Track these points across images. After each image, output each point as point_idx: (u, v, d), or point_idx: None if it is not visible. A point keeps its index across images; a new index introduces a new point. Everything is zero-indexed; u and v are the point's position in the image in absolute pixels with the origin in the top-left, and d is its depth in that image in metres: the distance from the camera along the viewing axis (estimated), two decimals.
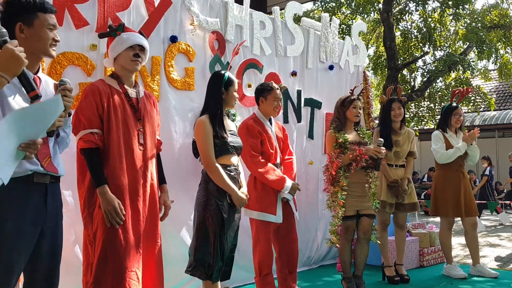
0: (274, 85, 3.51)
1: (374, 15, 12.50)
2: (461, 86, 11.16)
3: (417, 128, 13.74)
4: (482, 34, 10.32)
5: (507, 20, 11.56)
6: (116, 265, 2.38)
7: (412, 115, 13.55)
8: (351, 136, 3.69)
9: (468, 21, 11.14)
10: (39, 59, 2.08)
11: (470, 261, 4.47)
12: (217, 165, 2.90)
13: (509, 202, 7.30)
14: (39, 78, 2.05)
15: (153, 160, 2.71)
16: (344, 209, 3.54)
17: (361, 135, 3.76)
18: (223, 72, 3.11)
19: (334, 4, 12.32)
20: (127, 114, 2.57)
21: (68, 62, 2.99)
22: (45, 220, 1.97)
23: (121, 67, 2.62)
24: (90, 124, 2.46)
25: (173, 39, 3.56)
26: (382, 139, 3.63)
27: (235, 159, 3.07)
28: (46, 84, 2.10)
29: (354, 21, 11.90)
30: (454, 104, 4.45)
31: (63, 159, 2.38)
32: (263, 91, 3.50)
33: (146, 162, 2.63)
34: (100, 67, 3.14)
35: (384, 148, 3.60)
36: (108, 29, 2.65)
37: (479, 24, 10.83)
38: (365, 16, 12.67)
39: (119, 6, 3.23)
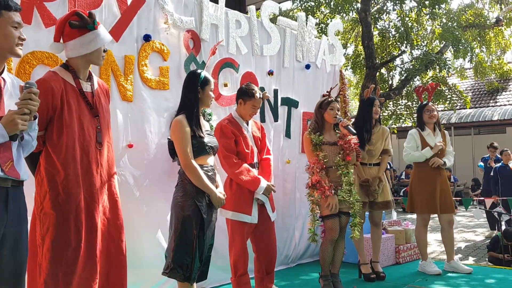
0: (258, 94, 3.48)
1: (352, 14, 12.59)
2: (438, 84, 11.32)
3: (395, 126, 13.91)
4: (458, 33, 10.48)
5: (482, 19, 11.78)
6: (67, 273, 2.28)
7: (390, 113, 13.72)
8: (327, 137, 3.71)
9: (444, 21, 11.31)
10: (5, 58, 2.02)
11: (446, 257, 4.54)
12: (196, 165, 2.88)
13: (483, 198, 7.44)
14: (3, 79, 1.99)
15: (110, 158, 2.58)
16: (334, 208, 3.55)
17: (338, 136, 3.78)
18: (199, 71, 3.08)
19: (313, 4, 12.38)
20: (83, 113, 2.42)
21: (37, 61, 2.92)
22: (7, 224, 1.91)
23: (86, 61, 2.46)
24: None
25: (147, 38, 3.51)
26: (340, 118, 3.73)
27: (212, 160, 3.06)
28: (12, 85, 2.04)
29: (333, 20, 11.96)
30: (425, 102, 4.51)
31: None
32: (244, 94, 3.47)
33: (104, 162, 2.51)
34: None
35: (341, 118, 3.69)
36: (78, 18, 2.41)
37: (455, 24, 11.00)
38: (344, 15, 12.77)
39: (90, 4, 3.17)
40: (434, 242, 8.14)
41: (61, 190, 2.32)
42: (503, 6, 12.61)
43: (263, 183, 3.40)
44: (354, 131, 3.64)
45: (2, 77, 1.99)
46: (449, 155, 4.45)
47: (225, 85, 4.18)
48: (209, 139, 3.01)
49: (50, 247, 2.28)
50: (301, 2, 12.39)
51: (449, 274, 4.32)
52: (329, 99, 3.78)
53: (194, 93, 2.97)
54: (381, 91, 11.56)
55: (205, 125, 3.11)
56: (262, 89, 4.25)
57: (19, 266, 1.99)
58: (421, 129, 4.45)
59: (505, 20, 12.20)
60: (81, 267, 2.34)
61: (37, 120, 2.08)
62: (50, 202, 2.32)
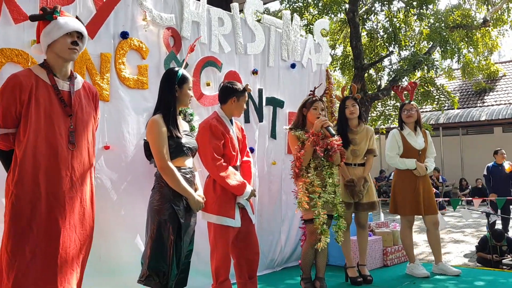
0: (248, 87, 3.39)
1: (341, 15, 12.56)
2: (425, 85, 11.33)
3: (384, 127, 13.91)
4: (445, 34, 10.50)
5: (469, 20, 11.81)
6: (17, 277, 2.14)
7: (378, 114, 13.71)
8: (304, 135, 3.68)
9: (432, 21, 11.31)
10: None
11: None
12: (173, 167, 2.76)
13: (471, 198, 7.41)
14: None
15: (86, 162, 2.46)
16: (324, 209, 3.49)
17: (320, 138, 3.73)
18: (176, 69, 2.97)
19: (301, 4, 12.32)
20: (54, 110, 2.31)
21: (6, 59, 2.78)
22: None
23: (56, 55, 2.36)
24: (4, 124, 2.25)
25: (124, 35, 3.38)
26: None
27: (190, 161, 2.94)
28: None
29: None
30: (407, 101, 4.44)
31: None
32: (236, 92, 3.31)
33: (77, 165, 2.38)
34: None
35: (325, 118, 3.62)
36: (41, 12, 2.36)
37: (443, 24, 11.02)
38: (332, 16, 12.73)
39: None
40: (423, 243, 8.09)
41: (13, 189, 2.22)
42: (490, 7, 12.66)
43: (248, 188, 3.30)
44: (334, 133, 3.57)
45: None
46: (430, 157, 4.40)
47: (208, 84, 4.07)
48: (187, 140, 2.89)
49: (5, 253, 2.18)
50: (289, 3, 12.34)
51: (437, 277, 4.25)
52: (314, 98, 3.71)
53: (171, 92, 2.85)
54: (369, 92, 11.54)
55: (183, 125, 2.99)
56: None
57: None
58: (401, 128, 4.39)
59: (492, 21, 12.25)
60: (35, 272, 2.18)
61: None
62: (10, 203, 2.21)
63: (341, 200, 3.64)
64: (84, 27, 2.48)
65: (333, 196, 3.54)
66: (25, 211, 2.20)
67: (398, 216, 4.44)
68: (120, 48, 3.38)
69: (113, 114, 3.33)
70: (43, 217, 2.23)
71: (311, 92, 3.79)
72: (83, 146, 2.43)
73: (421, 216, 4.34)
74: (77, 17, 2.51)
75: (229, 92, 3.32)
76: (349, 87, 4.33)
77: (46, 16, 2.34)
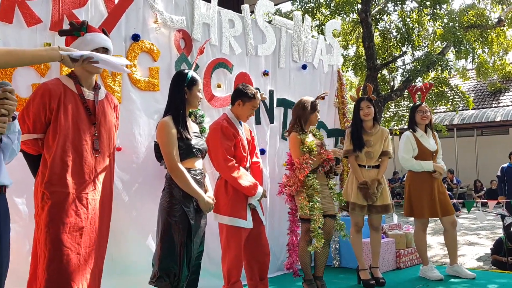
0: (258, 95, 3.39)
1: (353, 15, 12.50)
2: (439, 85, 11.22)
3: (397, 128, 13.79)
4: (459, 33, 10.37)
5: (484, 20, 11.65)
6: (60, 279, 2.23)
7: (392, 114, 13.60)
8: (315, 140, 3.70)
9: (446, 21, 11.19)
10: None
11: (448, 260, 4.40)
12: (182, 168, 2.77)
13: (486, 200, 7.31)
14: None
15: (108, 167, 2.57)
16: (322, 211, 3.52)
17: (318, 138, 3.81)
18: (186, 71, 2.98)
19: (313, 5, 12.28)
20: (80, 118, 2.44)
21: None
22: None
23: (82, 68, 2.47)
24: (34, 129, 2.35)
25: (135, 37, 3.41)
26: (341, 145, 3.84)
27: (200, 163, 2.95)
28: None
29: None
30: (419, 103, 4.40)
31: (15, 165, 2.23)
32: (243, 95, 3.32)
33: (99, 169, 2.49)
34: (54, 67, 2.97)
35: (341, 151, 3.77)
36: (70, 27, 2.49)
37: (457, 24, 10.89)
38: (344, 16, 12.67)
39: (75, 2, 3.07)
40: (436, 245, 8.00)
41: (44, 189, 2.32)
42: (504, 7, 12.48)
43: (260, 188, 3.30)
44: (340, 160, 3.74)
45: None
46: (440, 159, 4.37)
47: (218, 86, 4.07)
48: (197, 141, 2.89)
49: (44, 249, 2.27)
50: (301, 4, 12.30)
51: (452, 280, 4.18)
52: (316, 102, 3.75)
53: (180, 94, 2.86)
54: (383, 93, 11.46)
55: (193, 127, 3.00)
56: (257, 90, 4.14)
57: None
58: (413, 130, 4.34)
59: (507, 21, 12.07)
60: (74, 265, 2.29)
61: (16, 121, 1.97)
62: (42, 203, 2.31)
63: (344, 199, 3.81)
64: (110, 41, 2.57)
65: (331, 198, 3.68)
66: (57, 210, 2.30)
67: (411, 218, 4.39)
68: (131, 50, 3.40)
69: (124, 116, 3.34)
70: (71, 216, 2.32)
71: (322, 98, 3.82)
72: (105, 152, 2.54)
73: (434, 218, 4.30)
74: (103, 30, 2.60)
75: (237, 95, 3.36)
76: (362, 88, 4.29)
77: (73, 32, 2.46)
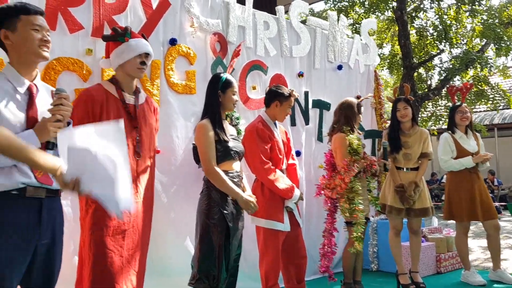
0: (294, 93, 3.39)
1: (388, 13, 12.28)
2: (479, 84, 10.87)
3: (435, 128, 13.43)
4: (499, 30, 10.02)
5: None
6: (104, 281, 2.28)
7: (429, 114, 13.27)
8: (358, 141, 3.67)
9: (485, 18, 10.82)
10: (33, 63, 1.97)
11: (490, 264, 4.26)
12: (218, 169, 2.78)
13: None
14: (35, 86, 1.96)
15: (149, 170, 2.61)
16: (364, 213, 3.53)
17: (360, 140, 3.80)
18: (221, 74, 3.00)
19: (346, 3, 12.14)
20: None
21: (62, 67, 2.91)
22: (40, 237, 1.85)
23: (125, 73, 2.53)
24: None
25: (173, 41, 3.46)
26: (386, 142, 3.76)
27: (237, 165, 2.95)
28: (46, 90, 2.02)
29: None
30: (458, 103, 4.26)
31: None
32: (280, 96, 3.31)
33: (141, 172, 2.52)
34: (96, 72, 3.05)
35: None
36: (113, 32, 2.54)
37: (496, 21, 10.52)
38: (379, 14, 12.46)
39: (115, 9, 3.14)
40: (477, 249, 7.74)
41: None
42: None
43: (297, 191, 3.29)
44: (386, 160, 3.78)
45: (34, 83, 1.95)
46: None
47: (254, 88, 4.08)
48: (234, 144, 2.90)
49: (88, 251, 2.32)
50: (334, 3, 12.18)
51: (495, 285, 4.05)
52: (361, 104, 3.79)
53: (214, 97, 2.88)
54: (419, 92, 11.19)
55: (230, 129, 3.01)
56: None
57: (49, 279, 1.93)
58: (452, 132, 4.21)
59: None
60: (117, 267, 2.34)
61: (70, 126, 2.02)
62: (86, 207, 2.37)
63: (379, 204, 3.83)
64: (150, 45, 2.61)
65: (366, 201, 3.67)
66: (100, 213, 2.32)
67: (451, 221, 4.27)
68: (169, 54, 3.45)
69: (162, 119, 3.38)
70: (114, 220, 2.37)
71: (360, 101, 3.82)
72: (146, 155, 2.57)
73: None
74: (142, 35, 2.64)
75: (272, 96, 3.34)
76: (399, 88, 4.20)
77: (118, 38, 2.51)
